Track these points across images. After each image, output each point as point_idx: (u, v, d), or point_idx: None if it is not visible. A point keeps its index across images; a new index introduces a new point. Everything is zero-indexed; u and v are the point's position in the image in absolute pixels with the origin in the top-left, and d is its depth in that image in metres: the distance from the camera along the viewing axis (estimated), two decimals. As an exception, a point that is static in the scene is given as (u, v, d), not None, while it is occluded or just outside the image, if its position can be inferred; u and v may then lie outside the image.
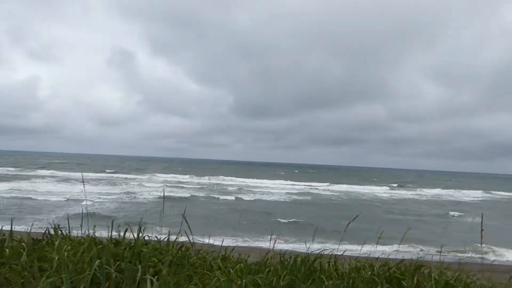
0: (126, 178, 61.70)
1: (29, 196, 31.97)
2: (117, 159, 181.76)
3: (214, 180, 64.74)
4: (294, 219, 26.18)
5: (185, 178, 66.42)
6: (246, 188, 51.50)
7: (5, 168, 68.99)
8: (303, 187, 60.29)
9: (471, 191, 67.25)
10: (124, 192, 39.46)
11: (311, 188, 58.30)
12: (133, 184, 49.40)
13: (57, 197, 31.74)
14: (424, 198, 50.98)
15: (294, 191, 50.99)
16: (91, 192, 37.13)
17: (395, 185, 75.80)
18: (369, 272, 4.15)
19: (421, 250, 17.86)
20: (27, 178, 51.27)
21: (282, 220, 25.53)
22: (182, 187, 48.66)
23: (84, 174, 63.13)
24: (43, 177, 54.36)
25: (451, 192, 64.00)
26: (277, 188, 54.75)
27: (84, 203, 29.92)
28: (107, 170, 76.47)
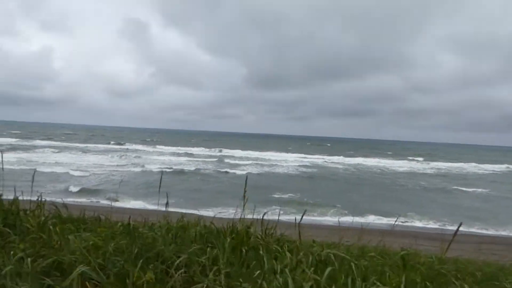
0: (137, 149, 61.76)
1: (35, 167, 31.82)
2: (129, 131, 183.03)
3: (223, 153, 64.26)
4: (291, 195, 25.44)
5: (194, 150, 66.09)
6: (255, 161, 50.87)
7: (21, 138, 69.63)
8: (314, 160, 59.49)
9: (490, 165, 65.52)
10: (132, 164, 39.41)
11: (323, 161, 57.56)
12: (143, 156, 49.21)
13: (64, 169, 31.63)
14: (431, 172, 49.66)
15: (304, 165, 50.35)
16: (101, 164, 37.14)
17: (411, 158, 74.39)
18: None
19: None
20: (35, 148, 51.45)
21: (276, 196, 24.52)
22: (190, 160, 48.32)
23: (95, 145, 63.45)
24: (54, 147, 54.53)
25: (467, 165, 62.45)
26: (286, 161, 54.07)
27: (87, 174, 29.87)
28: (120, 142, 76.64)
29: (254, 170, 41.06)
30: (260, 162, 50.21)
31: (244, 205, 4.18)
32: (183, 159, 49.86)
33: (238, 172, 37.56)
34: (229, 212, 4.67)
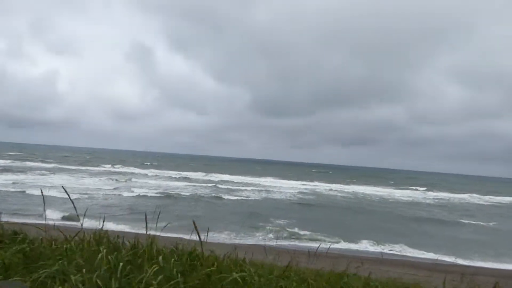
0: (132, 173, 61.20)
1: (25, 189, 31.39)
2: (132, 154, 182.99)
3: (222, 178, 63.49)
4: (282, 221, 24.65)
5: (192, 174, 65.48)
6: (253, 187, 50.02)
7: (17, 160, 69.50)
8: (313, 187, 58.57)
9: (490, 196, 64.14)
10: (121, 187, 38.79)
11: (322, 189, 56.64)
12: (135, 180, 48.56)
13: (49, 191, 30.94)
14: (429, 201, 48.49)
15: (302, 191, 49.58)
16: (86, 188, 36.60)
17: (413, 188, 73.17)
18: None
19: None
20: (29, 170, 51.07)
21: (261, 223, 23.62)
22: (186, 185, 47.62)
23: (88, 168, 63.09)
24: (46, 169, 54.10)
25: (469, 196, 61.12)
26: (285, 188, 53.21)
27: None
28: (115, 165, 76.21)
29: (251, 195, 40.34)
30: (257, 188, 49.38)
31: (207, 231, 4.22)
32: (178, 183, 49.17)
33: (232, 197, 36.78)
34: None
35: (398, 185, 79.48)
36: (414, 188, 72.81)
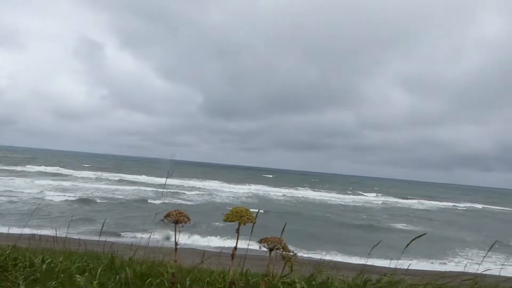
0: (67, 175, 57.32)
1: None
2: (73, 155, 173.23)
3: (161, 181, 61.15)
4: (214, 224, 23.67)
5: (131, 177, 62.47)
6: (190, 191, 48.45)
7: None
8: (255, 191, 57.99)
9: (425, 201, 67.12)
10: (41, 192, 35.82)
11: (264, 192, 56.24)
12: (59, 182, 45.28)
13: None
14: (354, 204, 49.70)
15: (245, 195, 49.03)
16: None
17: (357, 192, 74.96)
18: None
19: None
20: None
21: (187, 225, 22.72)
22: (118, 189, 45.16)
23: (30, 169, 58.51)
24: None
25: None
26: (225, 192, 52.29)
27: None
28: (53, 167, 71.16)
29: (195, 199, 39.06)
30: (197, 192, 47.87)
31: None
32: (113, 187, 46.40)
33: (158, 202, 34.97)
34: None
35: (340, 190, 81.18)
36: (360, 193, 74.64)
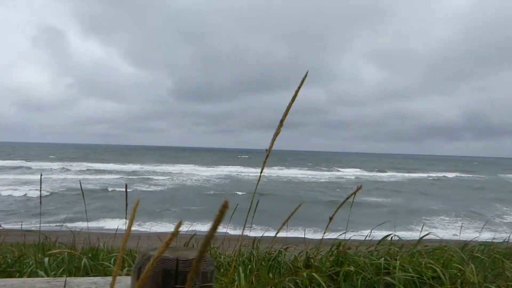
0: (30, 167, 54.75)
1: None
2: (39, 147, 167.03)
3: (129, 168, 59.52)
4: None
5: (98, 166, 60.42)
6: (162, 176, 47.27)
7: None
8: (228, 172, 57.28)
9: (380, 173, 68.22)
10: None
11: (237, 173, 55.67)
12: (28, 177, 43.15)
13: None
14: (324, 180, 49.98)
15: (217, 177, 48.38)
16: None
17: (331, 168, 75.41)
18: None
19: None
20: None
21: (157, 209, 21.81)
22: (84, 178, 43.38)
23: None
24: None
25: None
26: (199, 175, 51.36)
27: None
28: (16, 159, 68.03)
29: (166, 183, 38.03)
30: (168, 177, 46.69)
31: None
32: (78, 177, 44.53)
33: (121, 188, 33.65)
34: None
35: (315, 167, 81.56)
36: (334, 169, 75.16)
